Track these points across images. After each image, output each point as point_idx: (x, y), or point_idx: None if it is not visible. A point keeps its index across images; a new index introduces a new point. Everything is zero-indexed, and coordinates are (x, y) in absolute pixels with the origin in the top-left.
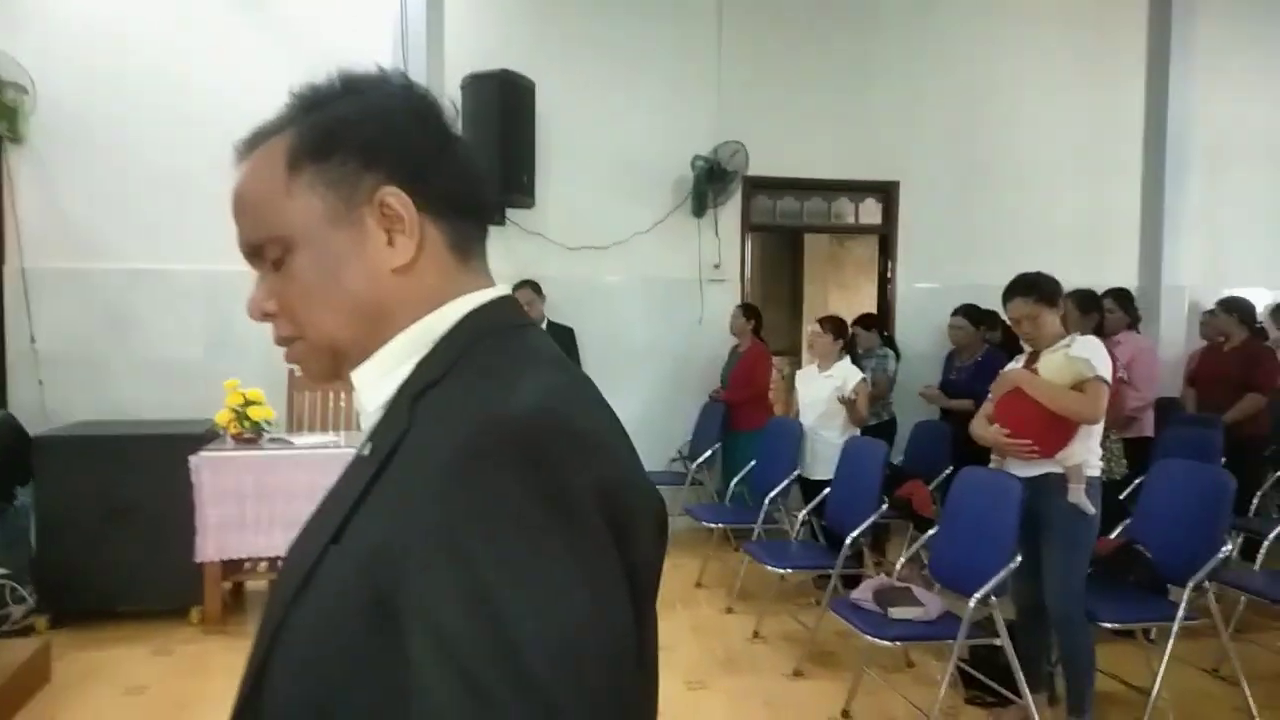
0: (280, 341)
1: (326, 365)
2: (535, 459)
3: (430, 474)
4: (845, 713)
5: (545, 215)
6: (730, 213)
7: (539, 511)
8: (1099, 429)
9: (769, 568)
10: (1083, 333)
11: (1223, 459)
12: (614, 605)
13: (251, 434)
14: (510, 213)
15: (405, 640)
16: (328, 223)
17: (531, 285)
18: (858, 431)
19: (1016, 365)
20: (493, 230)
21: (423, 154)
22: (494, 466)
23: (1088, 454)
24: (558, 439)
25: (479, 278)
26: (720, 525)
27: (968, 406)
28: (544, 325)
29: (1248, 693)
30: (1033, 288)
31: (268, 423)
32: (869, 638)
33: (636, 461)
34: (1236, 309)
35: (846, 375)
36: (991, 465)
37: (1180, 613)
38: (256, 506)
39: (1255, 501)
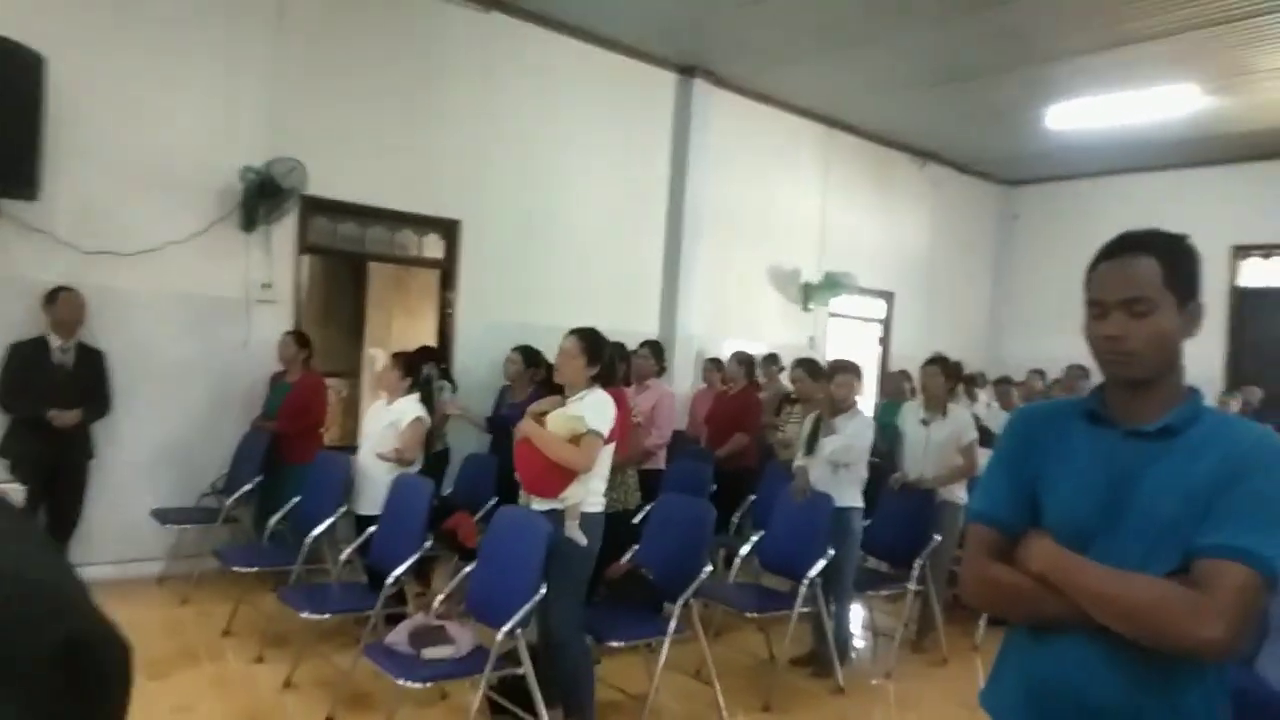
0: None
1: None
2: None
3: None
4: None
5: (53, 212)
6: (284, 231)
7: None
8: (603, 471)
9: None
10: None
11: (714, 487)
12: None
13: None
14: (6, 204)
15: None
16: None
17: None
18: (413, 468)
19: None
20: None
21: None
22: None
23: (586, 494)
24: (10, 597)
25: None
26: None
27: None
28: (72, 345)
29: (718, 689)
30: (584, 335)
31: None
32: (401, 682)
33: (97, 606)
34: (744, 361)
35: (403, 412)
36: (521, 501)
37: (671, 627)
38: None
39: (735, 521)
